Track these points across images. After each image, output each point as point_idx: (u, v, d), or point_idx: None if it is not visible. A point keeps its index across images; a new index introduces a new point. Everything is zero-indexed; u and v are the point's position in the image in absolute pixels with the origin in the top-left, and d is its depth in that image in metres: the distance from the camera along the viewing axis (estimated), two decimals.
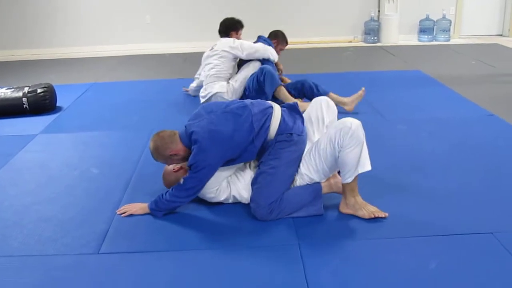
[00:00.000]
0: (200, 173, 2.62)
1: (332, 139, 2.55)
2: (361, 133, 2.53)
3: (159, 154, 2.73)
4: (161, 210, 2.74)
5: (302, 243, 2.44)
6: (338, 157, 2.56)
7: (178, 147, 2.69)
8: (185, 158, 2.73)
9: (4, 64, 7.38)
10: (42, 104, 4.71)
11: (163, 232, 2.62)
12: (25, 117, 4.66)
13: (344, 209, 2.69)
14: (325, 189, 2.74)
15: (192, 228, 2.65)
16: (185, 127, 2.73)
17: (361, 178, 2.64)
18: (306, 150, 2.76)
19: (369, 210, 2.62)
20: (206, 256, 2.40)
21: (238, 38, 4.70)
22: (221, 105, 2.80)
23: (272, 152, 2.68)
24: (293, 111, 2.83)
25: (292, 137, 2.69)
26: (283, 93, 4.39)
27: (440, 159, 3.39)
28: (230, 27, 4.81)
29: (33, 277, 2.28)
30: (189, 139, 2.66)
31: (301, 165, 2.72)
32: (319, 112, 2.92)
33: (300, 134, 2.72)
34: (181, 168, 2.89)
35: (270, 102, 2.85)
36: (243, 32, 4.92)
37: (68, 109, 4.92)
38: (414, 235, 2.48)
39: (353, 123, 2.52)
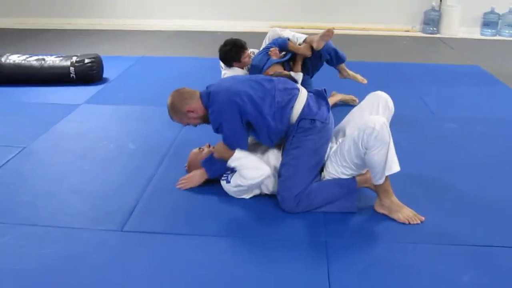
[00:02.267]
0: (229, 134, 2.59)
1: (356, 140, 2.42)
2: (386, 133, 2.37)
3: (176, 110, 2.70)
4: (217, 170, 2.73)
5: (330, 240, 2.34)
6: (364, 158, 2.44)
7: (197, 104, 2.66)
8: (202, 118, 2.70)
9: (59, 32, 7.48)
10: (89, 74, 4.74)
11: (188, 215, 2.58)
12: (71, 86, 4.70)
13: (379, 208, 2.56)
14: (360, 184, 2.62)
15: (217, 214, 2.58)
16: (207, 86, 2.71)
17: (400, 177, 2.50)
18: (335, 148, 2.66)
19: (405, 214, 2.48)
20: (227, 244, 2.34)
21: (244, 62, 4.07)
22: (246, 77, 2.82)
23: (294, 140, 2.59)
24: (320, 97, 2.72)
25: (315, 124, 2.58)
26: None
27: (489, 163, 3.18)
28: (229, 60, 4.10)
29: (53, 248, 2.28)
30: (207, 97, 2.62)
31: (328, 163, 2.62)
32: (374, 109, 2.73)
33: (324, 121, 2.60)
34: (205, 148, 2.88)
35: (298, 85, 2.77)
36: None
37: (114, 81, 4.93)
38: (449, 243, 2.34)
39: (377, 123, 2.36)
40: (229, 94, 2.57)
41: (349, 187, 2.57)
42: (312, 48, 3.92)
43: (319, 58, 4.03)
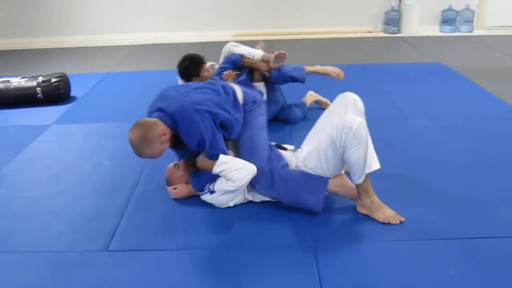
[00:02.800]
0: (212, 143, 2.57)
1: (333, 139, 2.47)
2: (363, 132, 2.42)
3: (149, 139, 2.50)
4: (205, 181, 2.72)
5: (317, 244, 2.36)
6: (342, 158, 2.49)
7: (163, 127, 2.54)
8: (170, 141, 2.60)
9: (20, 52, 7.35)
10: (56, 94, 4.67)
11: (174, 229, 2.56)
12: (39, 106, 4.62)
13: (360, 209, 2.60)
14: (331, 186, 2.65)
15: (203, 227, 2.58)
16: (159, 109, 2.60)
17: (376, 176, 2.55)
18: (309, 148, 2.72)
19: (385, 213, 2.51)
20: (218, 255, 2.33)
21: (204, 76, 3.87)
22: (187, 85, 2.85)
23: (244, 122, 2.78)
24: (247, 85, 3.15)
25: (257, 104, 2.87)
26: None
27: (460, 157, 3.26)
28: (189, 75, 3.91)
29: (39, 274, 2.23)
30: (172, 120, 2.54)
31: (306, 161, 2.66)
32: (343, 110, 2.78)
33: (261, 99, 2.97)
34: (180, 163, 2.85)
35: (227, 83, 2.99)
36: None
37: (82, 99, 4.87)
38: (432, 238, 2.39)
39: (354, 122, 2.41)
40: (194, 105, 2.53)
41: (320, 181, 2.60)
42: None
43: (274, 84, 3.94)
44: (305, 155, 2.70)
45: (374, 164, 2.47)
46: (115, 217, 2.66)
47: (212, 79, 3.20)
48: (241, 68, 3.86)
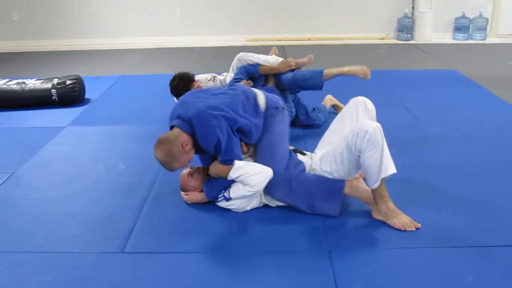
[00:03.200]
0: (228, 147, 2.57)
1: (349, 143, 2.48)
2: (379, 136, 2.42)
3: (175, 153, 2.52)
4: (219, 190, 2.71)
5: (332, 248, 2.35)
6: (357, 161, 2.49)
7: (184, 137, 2.55)
8: (194, 145, 2.60)
9: (35, 54, 7.43)
10: (71, 96, 4.70)
11: (188, 232, 2.56)
12: (53, 108, 4.65)
13: (376, 215, 2.58)
14: (348, 189, 2.64)
15: (218, 230, 2.58)
16: (178, 116, 2.61)
17: (392, 182, 2.54)
18: (323, 152, 2.75)
19: (401, 220, 2.50)
20: (232, 259, 2.33)
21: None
22: (207, 91, 2.86)
23: (265, 127, 2.75)
24: (271, 91, 3.13)
25: (279, 110, 2.83)
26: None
27: (475, 163, 3.25)
28: (180, 93, 3.60)
29: (54, 275, 2.23)
30: (189, 125, 2.56)
31: (322, 164, 2.67)
32: (354, 113, 2.82)
33: (284, 106, 2.90)
34: (194, 171, 2.84)
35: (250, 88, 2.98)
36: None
37: (96, 101, 4.90)
38: (448, 245, 2.37)
39: (370, 127, 2.42)
40: (210, 110, 2.54)
41: (336, 185, 2.61)
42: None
43: (287, 93, 3.94)
44: (321, 158, 2.71)
45: (390, 168, 2.46)
46: (130, 219, 2.67)
47: (233, 85, 3.21)
48: (257, 77, 3.90)
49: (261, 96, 2.84)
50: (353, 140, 2.45)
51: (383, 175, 2.45)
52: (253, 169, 2.59)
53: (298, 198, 2.63)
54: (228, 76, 4.11)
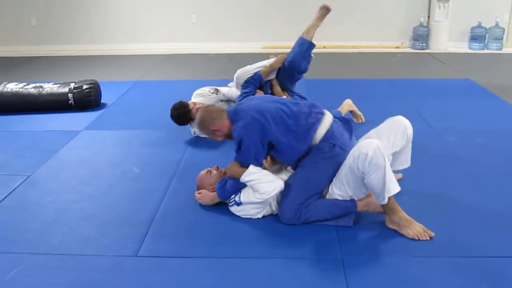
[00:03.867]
0: (247, 150, 2.62)
1: (352, 166, 2.48)
2: (380, 157, 2.40)
3: (203, 127, 2.81)
4: (230, 192, 2.74)
5: (345, 257, 2.35)
6: (362, 182, 2.49)
7: (223, 123, 2.73)
8: (227, 135, 2.77)
9: (52, 58, 7.52)
10: (87, 100, 4.75)
11: (202, 237, 2.58)
12: (70, 112, 4.71)
13: (389, 224, 2.58)
14: (360, 208, 2.64)
15: (231, 236, 2.59)
16: (236, 104, 2.81)
17: (406, 191, 2.55)
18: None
19: (414, 229, 2.49)
20: (244, 265, 2.33)
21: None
22: (274, 98, 2.95)
23: (312, 159, 2.64)
24: (345, 125, 2.78)
25: (335, 148, 2.62)
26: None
27: (492, 174, 3.23)
28: (183, 123, 4.02)
29: (69, 277, 2.26)
30: (234, 114, 2.71)
31: (334, 187, 2.65)
32: (392, 137, 2.79)
33: (344, 148, 2.62)
34: (213, 169, 2.92)
35: (323, 109, 2.80)
36: None
37: (112, 106, 4.95)
38: (462, 255, 2.36)
39: (370, 149, 2.40)
40: (255, 112, 2.63)
41: (348, 209, 2.61)
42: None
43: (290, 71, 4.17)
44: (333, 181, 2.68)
45: (393, 188, 2.45)
46: (145, 223, 2.69)
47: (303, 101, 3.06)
48: (263, 83, 4.12)
49: (325, 124, 2.68)
50: (354, 163, 2.45)
51: (387, 195, 2.45)
52: (265, 177, 2.61)
53: (311, 219, 2.62)
54: (232, 91, 4.24)
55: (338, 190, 2.62)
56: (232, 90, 4.22)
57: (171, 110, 3.95)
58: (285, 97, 4.09)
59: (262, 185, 2.58)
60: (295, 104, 2.75)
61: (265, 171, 2.67)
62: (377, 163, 2.39)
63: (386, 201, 2.47)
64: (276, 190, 2.59)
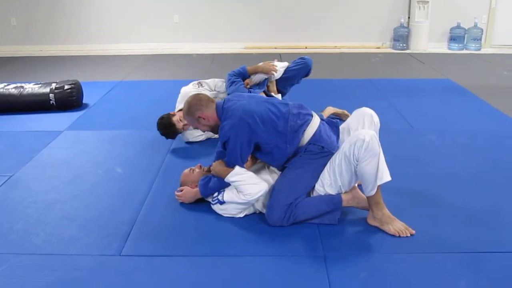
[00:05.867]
0: (234, 150, 2.63)
1: (347, 153, 2.52)
2: (376, 144, 2.47)
3: (190, 112, 2.75)
4: (213, 189, 2.75)
5: (328, 254, 2.38)
6: (355, 171, 2.52)
7: (210, 113, 2.72)
8: (211, 127, 2.76)
9: (33, 59, 7.45)
10: (69, 100, 4.73)
11: (185, 236, 2.59)
12: (51, 113, 4.68)
13: (371, 221, 2.62)
14: (345, 202, 2.67)
15: (213, 234, 2.61)
16: (224, 100, 2.76)
17: (388, 190, 2.59)
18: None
19: (396, 226, 2.54)
20: (228, 263, 2.36)
21: (183, 128, 3.84)
22: (263, 97, 2.88)
23: (299, 160, 2.66)
24: (332, 127, 2.80)
25: (323, 151, 2.66)
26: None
27: (470, 172, 3.29)
28: (169, 135, 3.87)
29: (53, 276, 2.26)
30: (222, 110, 2.69)
31: (322, 177, 2.67)
32: (360, 125, 2.83)
33: (331, 150, 2.67)
34: (196, 167, 2.94)
35: (311, 111, 2.82)
36: None
37: (94, 106, 4.93)
38: (442, 251, 2.41)
39: (367, 135, 2.47)
40: (243, 112, 2.62)
41: (335, 205, 2.64)
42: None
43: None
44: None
45: (385, 176, 2.50)
46: (128, 223, 2.69)
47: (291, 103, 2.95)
48: (247, 76, 4.16)
49: (313, 126, 2.70)
50: (350, 150, 2.49)
51: (379, 182, 2.49)
52: (250, 179, 2.63)
53: (297, 219, 2.63)
54: (216, 81, 4.22)
55: (328, 179, 2.63)
56: (216, 81, 4.21)
57: (157, 123, 3.82)
58: (278, 95, 4.21)
59: (247, 187, 2.61)
60: (284, 105, 2.75)
61: (251, 173, 2.69)
62: (373, 149, 2.44)
63: (374, 191, 2.50)
64: (260, 193, 2.62)
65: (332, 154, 2.66)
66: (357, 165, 2.49)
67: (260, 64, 4.25)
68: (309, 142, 2.66)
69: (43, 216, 2.81)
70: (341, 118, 4.27)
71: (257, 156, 2.77)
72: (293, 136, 2.65)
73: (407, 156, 3.54)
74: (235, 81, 4.02)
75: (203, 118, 2.73)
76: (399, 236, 2.51)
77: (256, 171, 2.80)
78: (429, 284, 2.16)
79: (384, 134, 3.03)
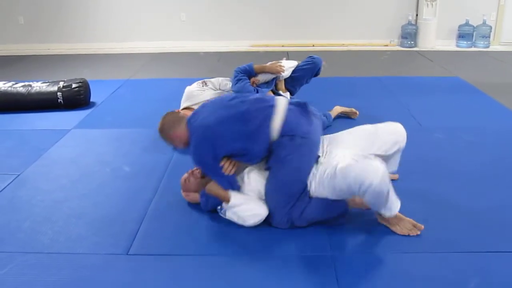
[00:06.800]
0: (207, 170, 2.64)
1: (352, 187, 2.30)
2: (384, 186, 2.27)
3: (164, 134, 2.78)
4: (214, 206, 2.71)
5: (336, 253, 2.37)
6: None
7: (182, 131, 2.68)
8: (186, 144, 2.71)
9: (41, 57, 7.48)
10: (76, 99, 4.73)
11: (193, 235, 2.58)
12: (59, 111, 4.69)
13: (380, 219, 2.60)
14: (351, 205, 2.60)
15: (220, 233, 2.60)
16: (192, 114, 2.74)
17: (395, 188, 2.52)
18: (323, 172, 2.50)
19: (404, 226, 2.51)
20: (233, 262, 2.35)
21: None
22: (224, 101, 2.76)
23: (275, 158, 2.54)
24: (301, 109, 2.62)
25: (295, 140, 2.49)
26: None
27: (478, 170, 3.26)
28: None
29: (60, 275, 2.26)
30: (189, 125, 2.67)
31: (316, 184, 2.53)
32: (384, 146, 2.67)
33: (304, 136, 2.50)
34: (189, 176, 2.86)
35: (274, 100, 2.65)
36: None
37: (101, 105, 4.93)
38: (451, 251, 2.38)
39: (375, 178, 2.22)
40: (203, 129, 2.57)
41: (340, 212, 2.56)
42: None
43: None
44: (316, 183, 2.55)
45: (394, 208, 2.42)
46: (135, 221, 2.69)
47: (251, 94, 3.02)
48: (254, 75, 4.16)
49: (277, 117, 2.53)
50: (355, 187, 2.29)
51: (388, 214, 2.44)
52: (248, 207, 2.56)
53: (301, 224, 2.57)
54: (221, 80, 4.22)
55: (320, 191, 2.52)
56: (220, 80, 4.21)
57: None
58: (287, 94, 4.29)
59: (244, 214, 2.56)
60: (242, 103, 2.62)
61: (246, 203, 2.57)
62: (380, 191, 2.28)
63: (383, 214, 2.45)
64: (259, 219, 2.55)
65: (307, 139, 2.51)
66: (362, 196, 2.35)
67: (267, 64, 4.24)
68: (279, 135, 2.50)
69: (51, 214, 2.81)
70: (350, 117, 4.26)
71: (234, 159, 2.61)
72: (258, 132, 2.51)
73: (415, 153, 3.50)
74: (241, 79, 4.03)
75: (177, 137, 2.69)
76: (409, 235, 2.49)
77: (248, 172, 2.69)
78: (438, 284, 2.14)
79: None
